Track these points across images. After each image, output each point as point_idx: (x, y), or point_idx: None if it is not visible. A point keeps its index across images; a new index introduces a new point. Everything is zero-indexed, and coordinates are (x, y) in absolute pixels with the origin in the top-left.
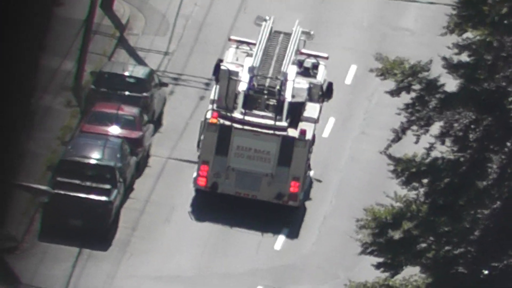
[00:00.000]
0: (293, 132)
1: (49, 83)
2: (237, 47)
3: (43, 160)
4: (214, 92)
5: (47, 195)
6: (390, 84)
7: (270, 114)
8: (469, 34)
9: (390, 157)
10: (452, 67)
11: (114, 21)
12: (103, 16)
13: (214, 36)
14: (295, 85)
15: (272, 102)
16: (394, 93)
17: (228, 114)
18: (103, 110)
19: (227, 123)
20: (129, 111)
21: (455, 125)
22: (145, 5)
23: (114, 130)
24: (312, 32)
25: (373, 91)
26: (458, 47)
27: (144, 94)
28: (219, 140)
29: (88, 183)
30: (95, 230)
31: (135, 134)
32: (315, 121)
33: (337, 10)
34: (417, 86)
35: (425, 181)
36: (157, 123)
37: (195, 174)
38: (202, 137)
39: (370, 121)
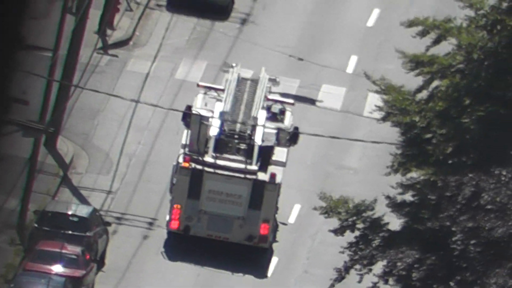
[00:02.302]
0: (263, 176)
1: None
2: (205, 93)
3: None
4: (185, 136)
5: None
6: (334, 222)
7: (241, 158)
8: (413, 174)
9: None
10: (396, 206)
11: (58, 159)
12: (47, 154)
13: (158, 174)
14: (265, 130)
15: (243, 146)
16: (338, 231)
17: (200, 158)
18: (46, 249)
19: (199, 167)
20: (72, 250)
21: (399, 264)
22: (89, 144)
23: (57, 268)
24: (278, 79)
25: (317, 230)
26: (402, 187)
27: (87, 233)
28: (191, 184)
29: None
30: None
31: (78, 273)
32: (284, 164)
33: None
34: (361, 225)
35: None
36: (100, 262)
37: (167, 217)
38: (174, 181)
39: (313, 260)
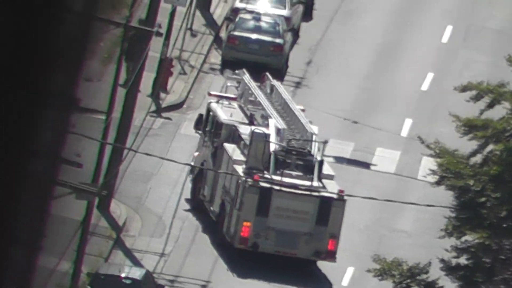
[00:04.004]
0: (330, 193)
1: (46, 283)
2: (217, 102)
3: None
4: (232, 151)
5: None
6: (388, 285)
7: (302, 174)
8: (467, 237)
9: None
10: (450, 269)
11: (111, 222)
12: (100, 217)
13: (210, 237)
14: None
15: (300, 162)
16: None
17: (268, 176)
18: None
19: (267, 185)
20: None
21: None
22: (142, 207)
23: None
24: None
25: None
26: (456, 250)
27: None
28: (259, 201)
29: None
30: None
31: None
32: (333, 178)
33: None
34: None
35: None
36: None
37: (232, 233)
38: (242, 199)
39: None
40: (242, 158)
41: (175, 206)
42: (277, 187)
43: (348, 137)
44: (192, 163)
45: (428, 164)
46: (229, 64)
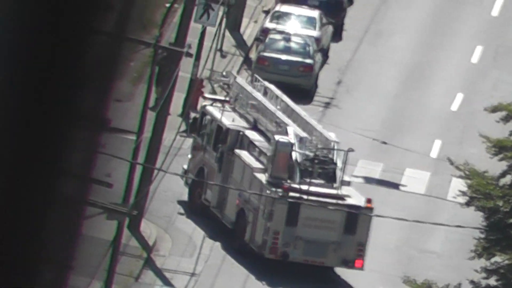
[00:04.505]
0: (358, 201)
1: None
2: (211, 105)
3: None
4: (249, 159)
5: None
6: None
7: (325, 182)
8: (497, 258)
9: None
10: None
11: (141, 242)
12: (130, 237)
13: (241, 257)
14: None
15: (322, 170)
16: None
17: (296, 186)
18: None
19: (296, 195)
20: None
21: None
22: (172, 227)
23: None
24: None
25: None
26: (486, 271)
27: None
28: (289, 211)
29: None
30: None
31: None
32: (349, 184)
33: None
34: None
35: None
36: None
37: (260, 243)
38: (271, 209)
39: None
40: (260, 165)
41: (205, 226)
42: (305, 197)
43: (377, 157)
44: (185, 166)
45: (457, 185)
46: None
